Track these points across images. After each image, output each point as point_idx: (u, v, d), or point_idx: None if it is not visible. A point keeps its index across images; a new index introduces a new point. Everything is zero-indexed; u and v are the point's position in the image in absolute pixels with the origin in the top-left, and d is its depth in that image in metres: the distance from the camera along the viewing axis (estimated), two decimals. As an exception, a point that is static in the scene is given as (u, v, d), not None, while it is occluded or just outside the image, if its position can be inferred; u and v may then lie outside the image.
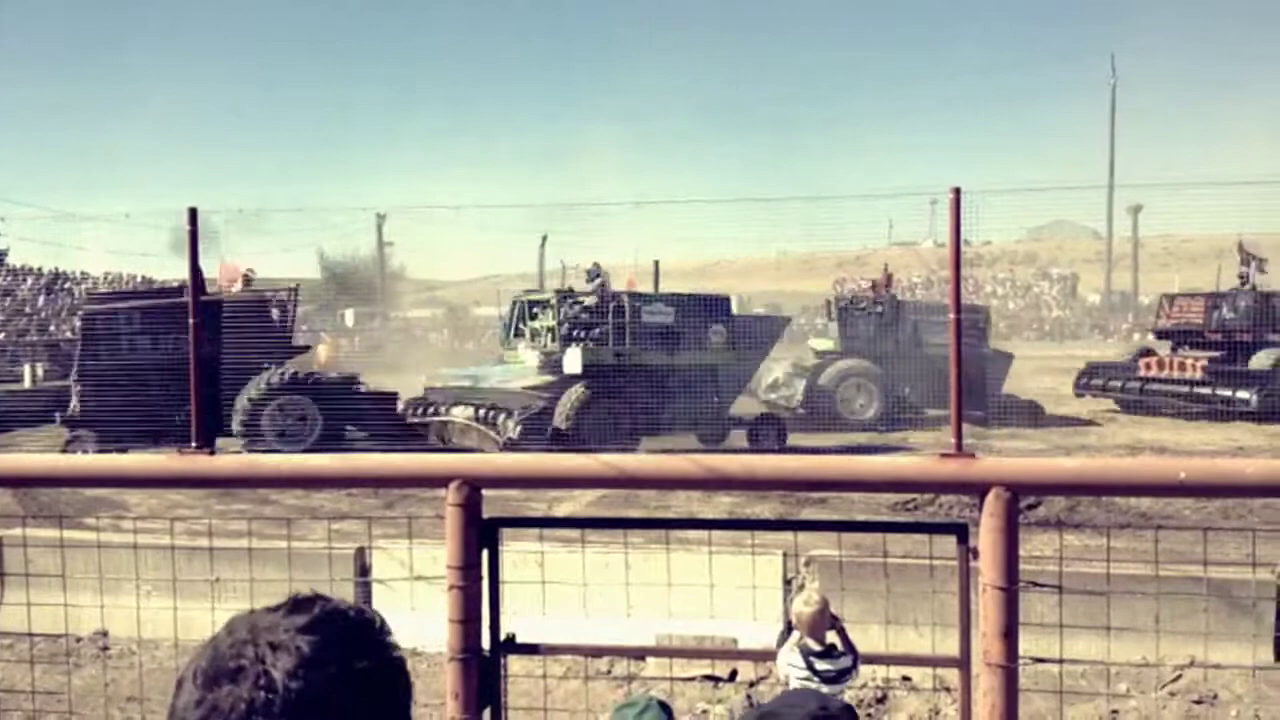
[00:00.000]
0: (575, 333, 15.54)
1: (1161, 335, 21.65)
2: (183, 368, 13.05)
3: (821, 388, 18.53)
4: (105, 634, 6.93)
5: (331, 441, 14.05)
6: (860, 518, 8.58)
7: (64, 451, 13.40)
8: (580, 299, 16.04)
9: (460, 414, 15.35)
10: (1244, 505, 8.89)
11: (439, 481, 2.64)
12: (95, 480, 4.47)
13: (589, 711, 5.28)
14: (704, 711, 5.89)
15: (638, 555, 6.03)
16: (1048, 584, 5.01)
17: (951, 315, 6.54)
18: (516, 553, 5.59)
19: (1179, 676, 5.94)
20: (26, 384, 23.84)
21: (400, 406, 15.69)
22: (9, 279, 36.66)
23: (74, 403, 14.96)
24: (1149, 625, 4.97)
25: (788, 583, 6.58)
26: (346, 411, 14.62)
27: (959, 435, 6.07)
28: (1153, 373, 20.19)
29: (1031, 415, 18.51)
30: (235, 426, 14.21)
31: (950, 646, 2.93)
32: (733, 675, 6.21)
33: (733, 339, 16.00)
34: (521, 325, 16.79)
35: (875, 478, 2.99)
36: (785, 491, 8.52)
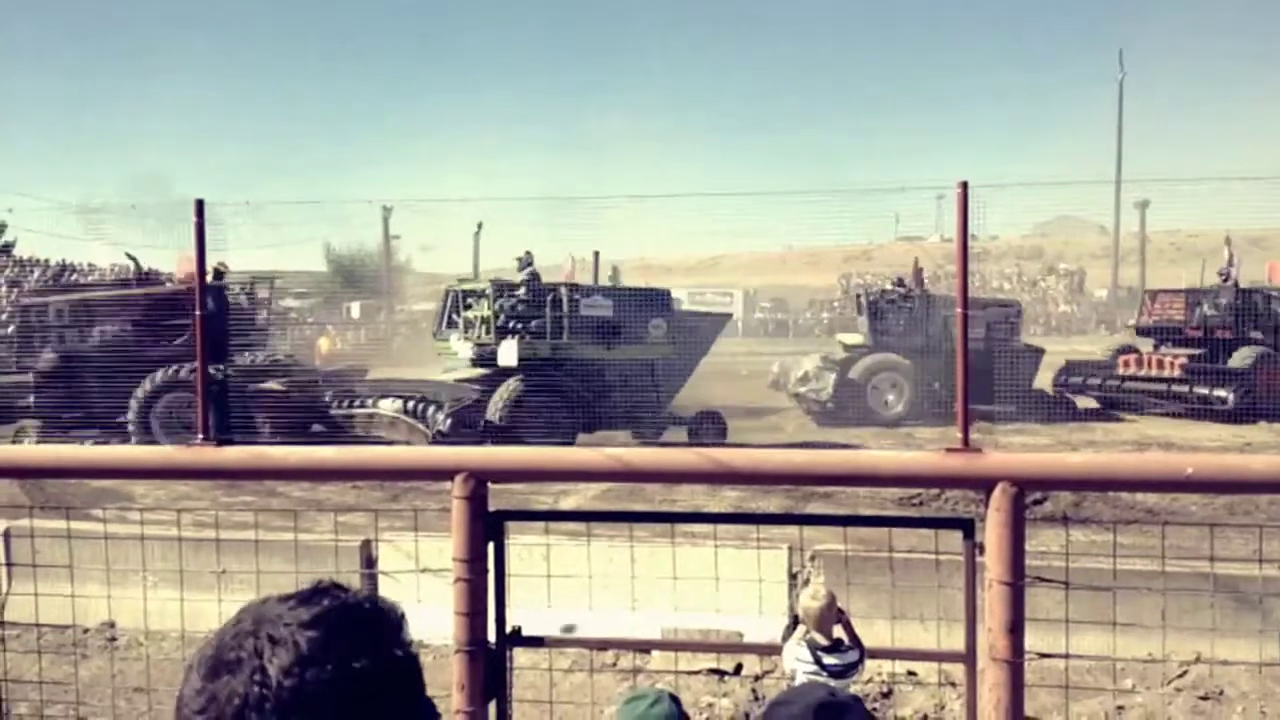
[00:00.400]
0: (511, 324, 15.05)
1: (1143, 332, 21.11)
2: (112, 360, 13.72)
3: (851, 381, 18.40)
4: (113, 625, 6.97)
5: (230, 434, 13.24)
6: (866, 512, 8.59)
7: (13, 443, 13.27)
8: (516, 290, 15.52)
9: (388, 406, 14.68)
10: (1251, 501, 8.86)
11: (445, 474, 2.65)
12: (102, 471, 4.49)
13: (594, 704, 5.29)
14: (709, 705, 5.90)
15: (643, 549, 6.04)
16: (1053, 579, 5.01)
17: (959, 309, 6.51)
18: (522, 545, 5.58)
19: (1185, 672, 5.94)
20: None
21: (328, 398, 15.16)
22: (16, 270, 36.79)
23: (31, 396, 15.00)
24: (1155, 621, 4.96)
25: (793, 577, 6.58)
26: (259, 406, 14.02)
27: (965, 430, 6.04)
28: (1131, 370, 19.82)
29: (1068, 411, 18.33)
30: (130, 421, 13.99)
31: (956, 642, 2.93)
32: (738, 669, 6.22)
33: (673, 334, 15.58)
34: (455, 315, 16.17)
35: (881, 472, 2.99)
36: (791, 485, 8.52)
